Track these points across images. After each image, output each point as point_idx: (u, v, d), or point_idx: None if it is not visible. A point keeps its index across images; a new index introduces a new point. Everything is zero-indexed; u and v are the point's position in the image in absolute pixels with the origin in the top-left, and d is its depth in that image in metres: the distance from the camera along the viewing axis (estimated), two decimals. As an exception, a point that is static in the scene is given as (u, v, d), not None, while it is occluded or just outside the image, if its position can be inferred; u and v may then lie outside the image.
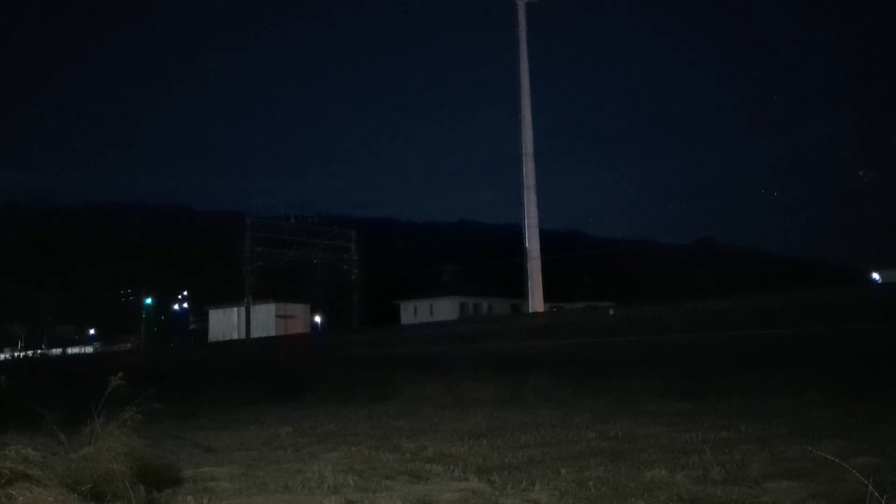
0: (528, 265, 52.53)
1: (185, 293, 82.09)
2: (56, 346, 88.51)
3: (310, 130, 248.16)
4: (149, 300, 74.37)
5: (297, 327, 69.64)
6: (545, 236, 57.51)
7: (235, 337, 66.73)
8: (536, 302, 51.43)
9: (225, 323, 69.80)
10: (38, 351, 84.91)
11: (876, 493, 4.86)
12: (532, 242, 55.40)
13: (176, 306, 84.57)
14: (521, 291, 53.39)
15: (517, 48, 57.86)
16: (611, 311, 36.38)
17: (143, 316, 73.61)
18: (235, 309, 66.66)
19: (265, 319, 67.91)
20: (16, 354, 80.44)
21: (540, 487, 8.18)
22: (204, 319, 74.57)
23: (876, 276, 40.04)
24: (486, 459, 10.38)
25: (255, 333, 64.41)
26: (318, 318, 66.31)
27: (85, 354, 74.52)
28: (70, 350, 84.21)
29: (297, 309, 69.38)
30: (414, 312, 71.80)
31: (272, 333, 65.02)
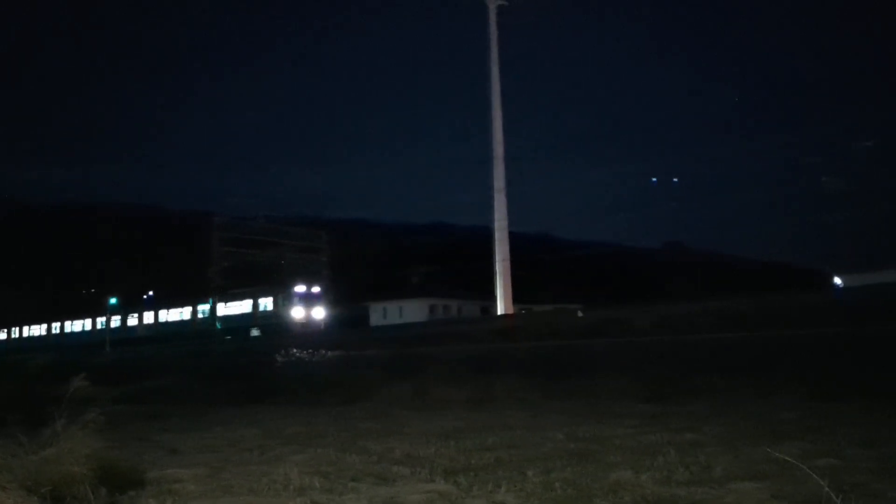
0: (497, 267, 52.65)
1: (151, 293, 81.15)
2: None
3: (281, 131, 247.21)
4: (113, 300, 73.33)
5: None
6: (516, 239, 57.65)
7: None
8: (506, 304, 51.55)
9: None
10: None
11: (832, 495, 4.93)
12: (501, 245, 55.54)
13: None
14: (490, 293, 53.49)
15: (488, 50, 57.99)
16: (579, 314, 36.56)
17: (108, 315, 72.61)
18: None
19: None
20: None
21: (506, 489, 8.20)
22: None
23: (838, 280, 40.76)
24: (453, 461, 10.38)
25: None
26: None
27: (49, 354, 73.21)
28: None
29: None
30: (384, 314, 71.69)
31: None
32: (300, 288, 57.78)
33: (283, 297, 57.68)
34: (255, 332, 58.28)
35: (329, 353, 31.67)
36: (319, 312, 58.25)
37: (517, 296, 53.85)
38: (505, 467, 9.67)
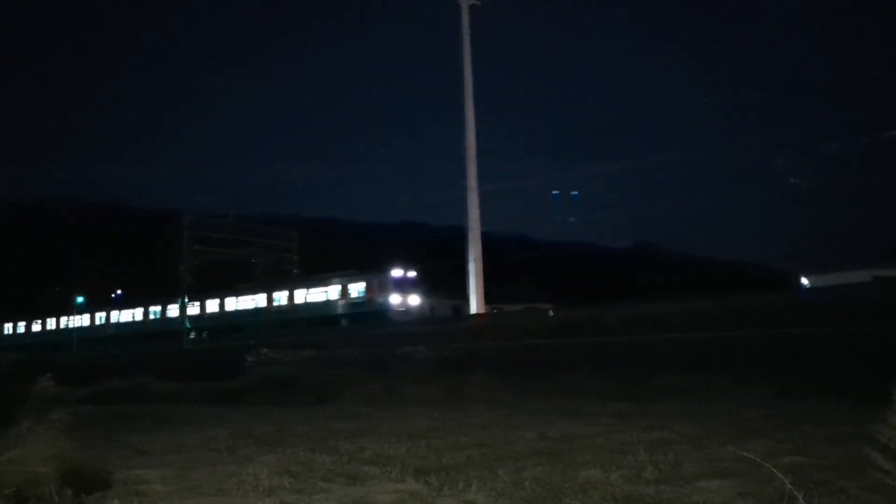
0: (470, 266, 52.69)
1: (119, 292, 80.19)
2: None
3: (250, 129, 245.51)
4: (80, 299, 72.34)
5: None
6: (489, 238, 57.74)
7: None
8: (478, 303, 51.63)
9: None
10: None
11: (795, 493, 5.00)
12: (474, 244, 55.64)
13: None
14: (463, 293, 53.52)
15: (461, 49, 57.97)
16: (551, 313, 36.69)
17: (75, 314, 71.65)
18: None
19: None
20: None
21: (477, 488, 8.20)
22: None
23: (805, 280, 41.35)
24: (424, 460, 10.38)
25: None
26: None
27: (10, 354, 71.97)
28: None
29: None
30: (356, 314, 71.37)
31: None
32: (397, 272, 52.34)
33: (379, 282, 51.89)
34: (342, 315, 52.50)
35: (301, 353, 31.50)
36: (415, 299, 52.90)
37: (489, 295, 53.95)
38: (476, 466, 9.68)
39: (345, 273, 54.47)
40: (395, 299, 51.07)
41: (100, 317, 71.38)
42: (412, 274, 52.73)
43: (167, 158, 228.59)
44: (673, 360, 22.67)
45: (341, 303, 52.74)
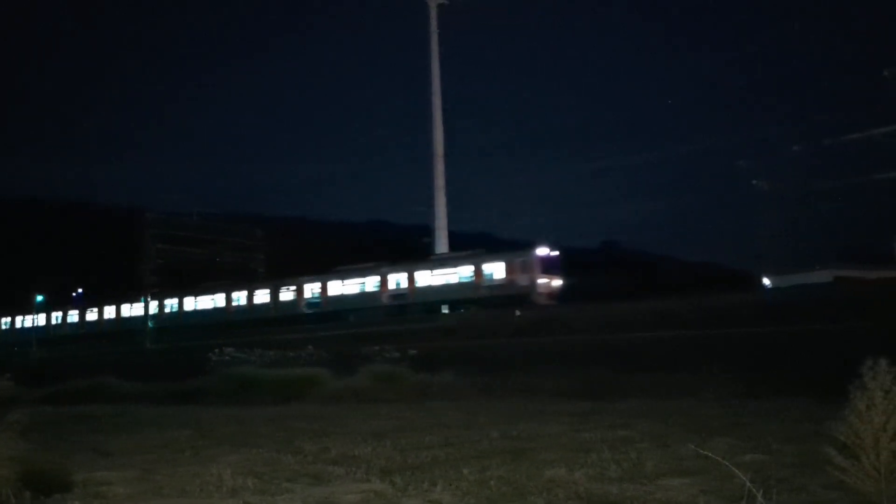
0: (438, 266, 52.56)
1: (80, 291, 78.95)
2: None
3: (216, 128, 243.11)
4: (40, 297, 71.08)
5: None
6: (455, 238, 57.87)
7: None
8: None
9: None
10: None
11: (754, 490, 5.09)
12: (441, 243, 55.78)
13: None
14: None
15: (428, 49, 58.12)
16: (517, 313, 36.85)
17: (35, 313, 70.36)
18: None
19: None
20: None
21: (442, 488, 8.21)
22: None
23: (767, 281, 42.02)
24: (389, 460, 10.37)
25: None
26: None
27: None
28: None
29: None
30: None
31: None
32: (542, 250, 46.08)
33: (523, 262, 45.60)
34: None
35: (266, 352, 31.28)
36: (558, 281, 46.69)
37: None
38: (441, 466, 9.69)
39: (476, 253, 48.81)
40: (541, 281, 45.02)
41: (57, 316, 70.04)
42: (556, 253, 46.70)
43: (130, 156, 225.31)
44: (636, 359, 22.90)
45: (475, 286, 46.64)
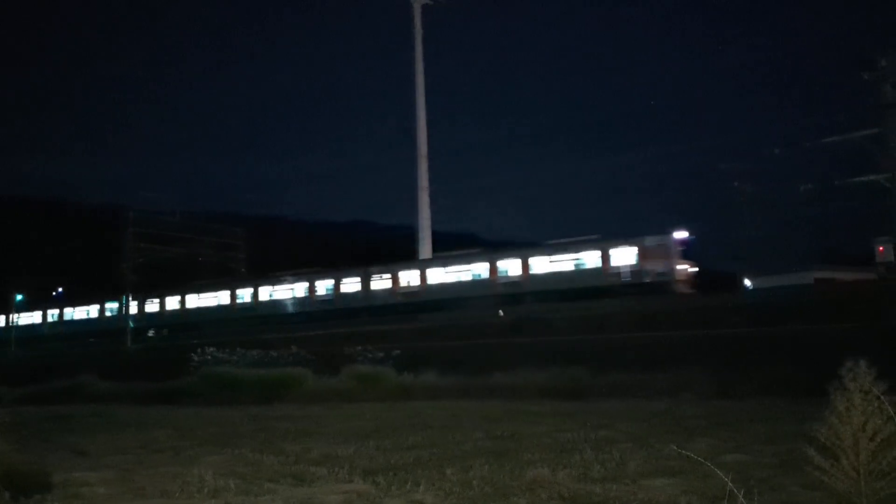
0: (422, 266, 52.44)
1: (60, 290, 78.24)
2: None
3: (197, 126, 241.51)
4: (19, 296, 70.34)
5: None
6: (439, 238, 57.85)
7: None
8: (429, 303, 51.47)
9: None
10: None
11: (735, 490, 5.13)
12: (425, 244, 55.75)
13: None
14: (412, 292, 53.31)
15: (413, 49, 58.07)
16: (500, 313, 36.90)
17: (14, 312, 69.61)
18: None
19: None
20: None
21: (425, 488, 8.21)
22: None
23: (748, 282, 42.24)
24: (372, 461, 10.35)
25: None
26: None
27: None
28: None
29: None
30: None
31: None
32: (680, 234, 41.88)
33: (659, 247, 41.57)
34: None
35: (248, 352, 31.11)
36: (695, 268, 42.96)
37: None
38: (424, 466, 9.69)
39: (596, 238, 44.21)
40: (679, 267, 41.15)
41: (38, 315, 69.30)
42: (687, 236, 42.47)
43: (109, 154, 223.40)
44: (618, 359, 22.97)
45: (601, 273, 42.51)
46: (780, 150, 41.95)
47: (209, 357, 30.75)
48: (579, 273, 43.06)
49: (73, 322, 66.28)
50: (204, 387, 26.87)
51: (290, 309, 52.27)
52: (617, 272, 41.15)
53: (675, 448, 7.77)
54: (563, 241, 45.73)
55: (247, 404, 23.02)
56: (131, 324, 57.60)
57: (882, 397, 5.19)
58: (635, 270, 40.83)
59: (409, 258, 52.21)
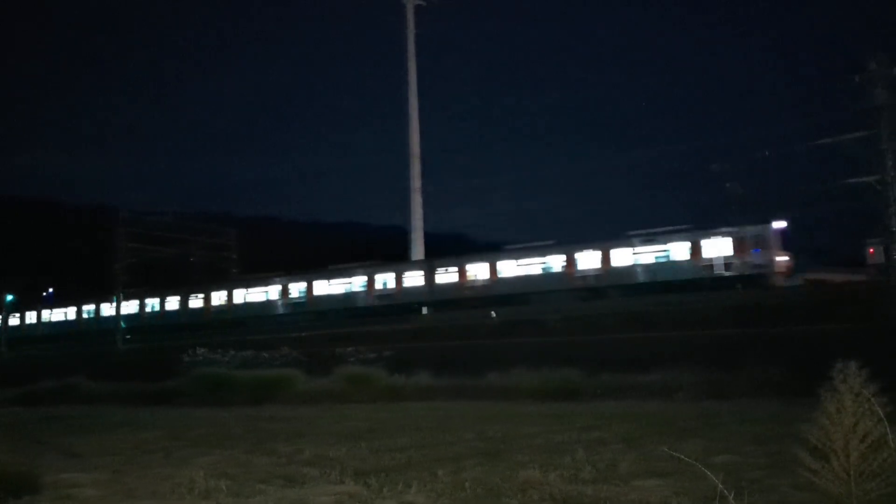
0: (414, 267, 52.38)
1: (51, 290, 77.87)
2: None
3: (189, 124, 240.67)
4: (10, 297, 69.99)
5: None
6: (430, 239, 57.83)
7: None
8: (421, 304, 51.41)
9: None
10: None
11: (726, 491, 5.14)
12: (416, 245, 55.72)
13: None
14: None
15: (405, 49, 58.04)
16: (492, 314, 36.91)
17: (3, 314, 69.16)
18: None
19: None
20: None
21: (416, 489, 8.20)
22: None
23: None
24: (363, 462, 10.34)
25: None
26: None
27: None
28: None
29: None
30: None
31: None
32: (779, 224, 39.57)
33: (757, 237, 38.98)
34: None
35: (239, 353, 31.05)
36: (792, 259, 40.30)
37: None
38: (415, 467, 9.68)
39: (686, 228, 41.76)
40: (779, 258, 38.74)
41: (31, 315, 68.91)
42: (783, 225, 39.98)
43: (100, 154, 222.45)
44: (609, 360, 23.01)
45: (691, 266, 40.26)
46: (770, 152, 42.05)
47: (200, 358, 30.70)
48: (666, 265, 40.78)
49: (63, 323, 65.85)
50: (195, 388, 26.80)
51: (347, 304, 49.43)
52: (710, 264, 39.09)
53: (667, 449, 7.78)
54: (647, 231, 43.09)
55: (238, 405, 22.99)
56: (122, 324, 57.34)
57: (872, 399, 5.22)
58: (730, 262, 38.77)
59: (401, 259, 52.11)
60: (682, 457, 6.52)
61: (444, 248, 50.89)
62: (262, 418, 18.20)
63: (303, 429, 15.07)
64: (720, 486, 5.16)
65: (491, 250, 47.69)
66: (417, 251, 55.34)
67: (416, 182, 57.03)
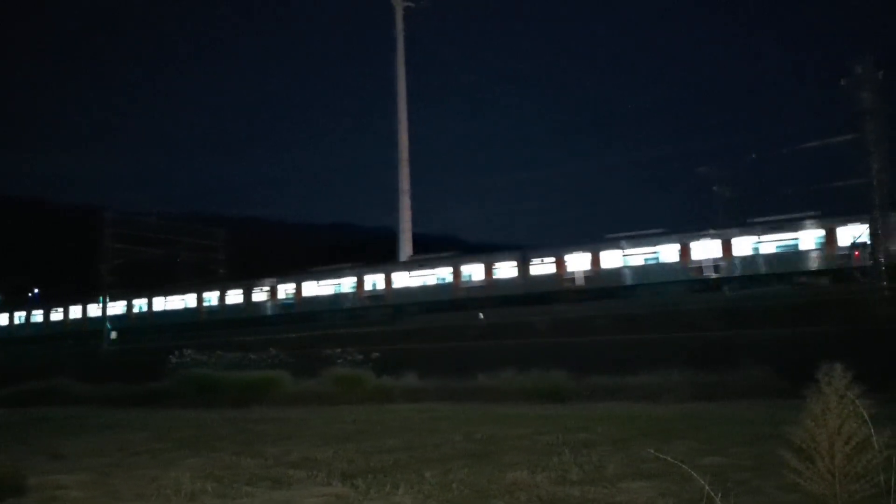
0: (402, 268, 52.34)
1: (37, 291, 77.52)
2: None
3: (176, 125, 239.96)
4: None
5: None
6: (420, 240, 57.82)
7: None
8: (410, 305, 51.35)
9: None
10: None
11: (712, 493, 5.16)
12: (405, 246, 55.69)
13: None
14: (393, 295, 53.14)
15: (394, 51, 58.02)
16: (480, 316, 36.93)
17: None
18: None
19: None
20: None
21: (404, 491, 8.20)
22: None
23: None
24: (351, 464, 10.32)
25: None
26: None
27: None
28: None
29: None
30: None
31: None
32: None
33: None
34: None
35: (226, 354, 30.93)
36: None
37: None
38: (403, 469, 9.67)
39: (818, 215, 38.86)
40: None
41: (19, 316, 68.40)
42: None
43: (86, 154, 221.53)
44: (597, 361, 23.05)
45: (824, 254, 37.80)
46: (757, 155, 42.26)
47: (187, 359, 30.56)
48: (795, 255, 38.36)
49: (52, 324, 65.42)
50: (182, 389, 26.67)
51: (430, 297, 46.81)
52: (846, 254, 36.59)
53: (653, 451, 7.81)
54: (774, 218, 40.37)
55: (225, 407, 22.90)
56: (108, 325, 57.03)
57: (857, 401, 5.25)
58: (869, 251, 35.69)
59: (391, 260, 52.06)
60: (670, 458, 6.55)
61: (435, 250, 50.81)
62: (249, 420, 18.13)
63: (290, 430, 15.03)
64: (707, 487, 5.18)
65: (592, 241, 44.30)
66: (405, 252, 55.34)
67: (404, 184, 57.02)
